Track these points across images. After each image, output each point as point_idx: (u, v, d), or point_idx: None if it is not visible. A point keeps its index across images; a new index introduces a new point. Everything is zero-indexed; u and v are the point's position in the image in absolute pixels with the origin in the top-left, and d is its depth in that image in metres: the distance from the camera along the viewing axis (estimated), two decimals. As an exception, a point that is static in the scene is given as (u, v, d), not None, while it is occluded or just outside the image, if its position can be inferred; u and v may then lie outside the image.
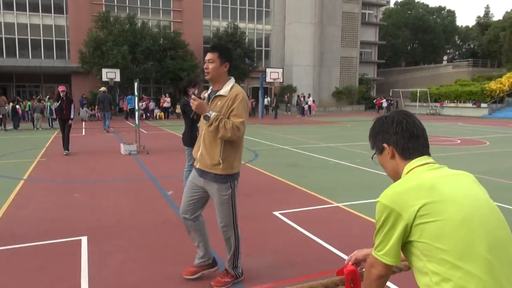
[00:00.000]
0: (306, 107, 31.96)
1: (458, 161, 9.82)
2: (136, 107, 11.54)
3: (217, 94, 3.13)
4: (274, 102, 29.87)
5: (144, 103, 26.56)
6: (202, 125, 3.17)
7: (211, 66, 3.09)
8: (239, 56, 33.15)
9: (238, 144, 3.14)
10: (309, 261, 3.79)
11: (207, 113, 2.98)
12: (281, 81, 32.03)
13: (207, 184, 3.17)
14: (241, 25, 36.46)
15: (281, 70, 30.19)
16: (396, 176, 1.51)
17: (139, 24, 30.75)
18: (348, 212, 5.40)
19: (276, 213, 5.28)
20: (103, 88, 19.04)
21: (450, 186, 1.33)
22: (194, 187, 3.27)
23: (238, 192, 3.32)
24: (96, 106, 22.09)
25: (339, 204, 5.74)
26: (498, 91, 31.06)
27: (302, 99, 31.78)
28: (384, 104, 35.17)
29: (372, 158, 1.64)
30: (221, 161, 3.05)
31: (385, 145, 1.51)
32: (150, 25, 32.73)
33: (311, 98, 33.03)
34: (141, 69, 29.53)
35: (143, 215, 5.24)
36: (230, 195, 3.16)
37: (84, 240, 4.31)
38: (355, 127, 20.14)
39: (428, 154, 1.49)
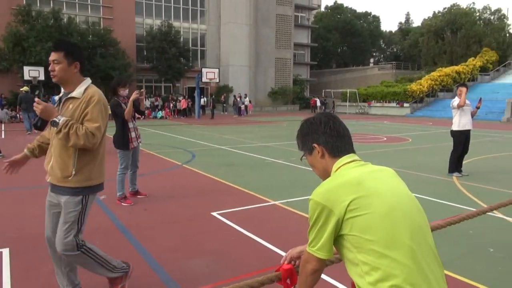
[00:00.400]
0: (242, 107, 32.21)
1: (384, 157, 10.49)
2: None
3: (69, 96, 2.73)
4: (211, 102, 29.74)
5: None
6: (52, 132, 2.72)
7: (57, 68, 2.67)
8: (174, 55, 32.52)
9: (97, 152, 2.76)
10: (248, 260, 3.83)
11: (55, 119, 2.56)
12: (218, 81, 31.96)
13: (60, 199, 2.74)
14: (176, 24, 35.80)
15: (217, 70, 30.14)
16: (325, 174, 1.58)
17: (65, 20, 28.94)
18: (285, 210, 5.54)
19: (214, 214, 5.26)
20: (25, 88, 17.68)
21: (374, 181, 1.42)
22: (51, 205, 2.85)
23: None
24: (18, 107, 20.42)
25: (276, 202, 5.87)
26: (418, 92, 33.64)
27: (238, 99, 31.96)
28: (318, 104, 36.55)
29: (301, 159, 1.69)
30: (74, 173, 2.65)
31: (315, 145, 1.57)
32: (78, 21, 30.95)
33: (247, 98, 33.37)
34: (68, 68, 27.75)
35: (73, 222, 4.94)
36: (78, 212, 2.70)
37: (5, 252, 3.98)
38: (290, 126, 20.68)
39: (354, 151, 1.58)
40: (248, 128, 19.73)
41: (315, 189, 1.46)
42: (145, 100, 27.26)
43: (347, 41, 56.34)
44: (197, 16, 38.68)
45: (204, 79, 28.54)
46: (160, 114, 29.05)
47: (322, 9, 61.25)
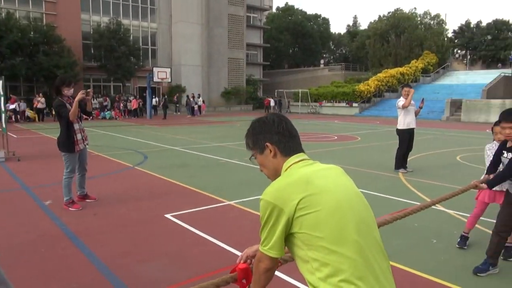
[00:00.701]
0: (196, 107, 31.88)
1: (335, 155, 10.82)
2: (3, 109, 10.17)
3: None
4: (163, 102, 29.14)
5: (15, 104, 23.60)
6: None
7: None
8: (123, 54, 31.49)
9: None
10: (204, 261, 3.80)
11: None
12: (170, 81, 31.42)
13: None
14: (125, 21, 34.67)
15: (169, 69, 29.61)
16: (276, 174, 1.59)
17: (3, 15, 27.11)
18: (240, 209, 5.55)
19: (168, 216, 5.17)
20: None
21: (323, 179, 1.46)
22: None
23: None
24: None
25: (231, 202, 5.87)
26: (366, 92, 35.03)
27: (191, 99, 31.60)
28: (272, 104, 36.97)
29: (250, 159, 1.70)
30: None
31: (268, 144, 1.58)
32: (18, 16, 29.10)
33: (200, 98, 33.06)
34: (8, 65, 26.04)
35: (17, 230, 4.65)
36: None
37: None
38: (244, 126, 20.58)
39: (303, 151, 1.62)
40: (201, 128, 19.56)
41: (265, 189, 1.48)
42: (93, 100, 26.17)
43: (298, 42, 57.45)
44: (147, 14, 37.73)
45: (155, 79, 27.92)
46: (109, 114, 28.03)
47: (274, 10, 62.03)
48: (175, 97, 33.81)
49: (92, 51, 33.22)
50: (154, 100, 30.46)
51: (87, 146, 5.76)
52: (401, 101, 8.27)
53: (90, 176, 6.45)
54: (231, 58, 40.91)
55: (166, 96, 30.81)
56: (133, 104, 29.44)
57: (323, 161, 1.63)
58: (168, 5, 38.07)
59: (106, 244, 4.21)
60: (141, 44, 36.18)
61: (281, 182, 1.47)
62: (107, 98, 30.22)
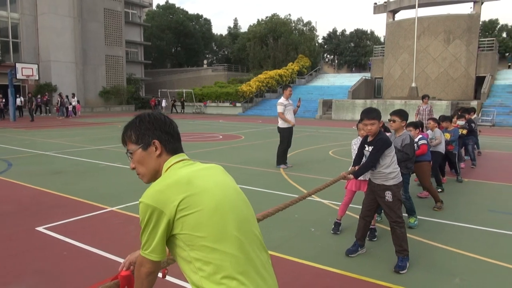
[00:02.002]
0: (70, 107, 29.21)
1: (221, 154, 11.00)
2: None
3: None
4: (30, 103, 25.96)
5: None
6: None
7: None
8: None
9: None
10: (85, 275, 3.52)
11: None
12: (37, 78, 28.11)
13: None
14: (-23, 9, 29.98)
15: (36, 66, 26.50)
16: (155, 174, 1.55)
17: None
18: (124, 215, 5.28)
19: (40, 229, 4.65)
20: None
21: (203, 179, 1.47)
22: None
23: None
24: None
25: (114, 208, 5.54)
26: (248, 92, 36.36)
27: (65, 99, 28.83)
28: (164, 104, 36.04)
29: (127, 153, 1.59)
30: None
31: (156, 141, 1.53)
32: None
33: (75, 98, 30.36)
34: None
35: None
36: None
37: None
38: (126, 127, 19.65)
39: (183, 151, 1.61)
40: (77, 131, 17.98)
41: (145, 191, 1.43)
42: None
43: (181, 42, 56.77)
44: (5, 2, 33.15)
45: (19, 76, 24.71)
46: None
47: (154, 7, 60.19)
48: (45, 97, 30.45)
49: None
50: (18, 100, 26.96)
51: None
52: (281, 104, 8.73)
53: None
54: (109, 55, 38.46)
55: (32, 95, 27.54)
56: (-9, 104, 25.64)
57: (209, 161, 1.66)
58: (31, -7, 34.04)
59: None
60: (-1, 36, 31.73)
61: (161, 184, 1.43)
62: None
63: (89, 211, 5.44)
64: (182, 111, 37.81)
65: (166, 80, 48.81)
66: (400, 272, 3.62)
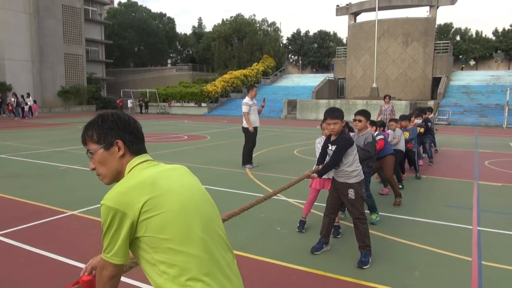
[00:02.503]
0: (26, 108, 27.91)
1: (186, 154, 10.88)
2: None
3: None
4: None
5: None
6: None
7: None
8: None
9: None
10: (43, 282, 3.38)
11: None
12: (-11, 77, 26.72)
13: None
14: None
15: (-12, 64, 25.16)
16: (117, 175, 1.52)
17: None
18: (84, 219, 5.11)
19: (-5, 236, 4.42)
20: None
21: (167, 180, 1.45)
22: None
23: None
24: None
25: (75, 212, 5.35)
26: (213, 92, 36.14)
27: (21, 99, 27.52)
28: (130, 105, 35.14)
29: (87, 153, 1.55)
30: None
31: (119, 141, 1.49)
32: None
33: (30, 98, 29.02)
34: None
35: None
36: None
37: None
38: (87, 128, 19.02)
39: (147, 152, 1.59)
40: (34, 132, 17.21)
41: (107, 193, 1.40)
42: None
43: (144, 41, 55.59)
44: (-47, -4, 31.26)
45: (-31, 75, 23.38)
46: None
47: (115, 5, 58.62)
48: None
49: None
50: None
51: None
52: (246, 104, 8.75)
53: None
54: (68, 53, 37.09)
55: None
56: None
57: (174, 162, 1.64)
58: (-18, -13, 32.27)
59: None
60: None
61: (124, 185, 1.39)
62: None
63: (48, 215, 5.22)
64: (146, 111, 37.11)
65: (129, 79, 47.68)
66: (363, 267, 3.73)
